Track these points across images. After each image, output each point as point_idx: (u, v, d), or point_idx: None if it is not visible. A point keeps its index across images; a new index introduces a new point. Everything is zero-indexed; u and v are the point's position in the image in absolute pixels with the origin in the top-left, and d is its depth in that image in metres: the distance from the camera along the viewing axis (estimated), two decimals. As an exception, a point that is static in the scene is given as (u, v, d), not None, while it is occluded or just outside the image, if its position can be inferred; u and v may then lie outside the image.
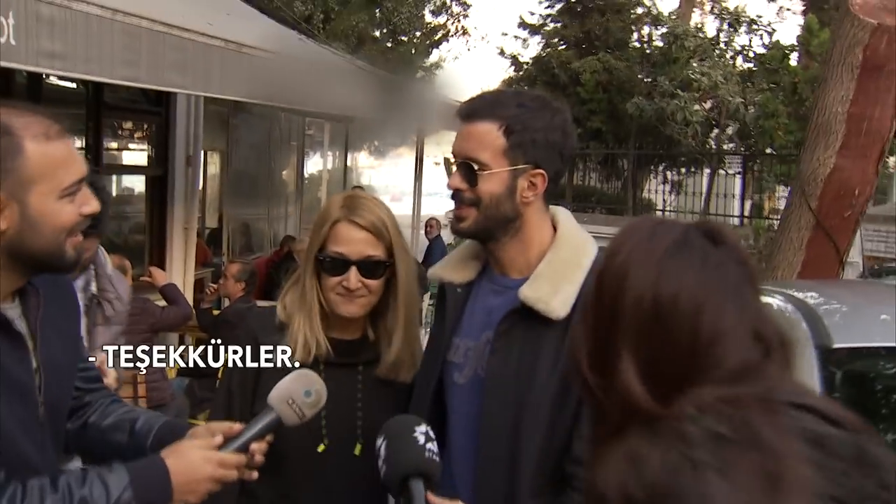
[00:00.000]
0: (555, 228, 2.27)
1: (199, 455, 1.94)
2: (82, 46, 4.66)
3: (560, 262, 2.18)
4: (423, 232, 13.58)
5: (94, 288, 3.31)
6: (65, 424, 2.12)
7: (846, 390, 2.73)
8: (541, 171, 2.17)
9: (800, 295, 3.32)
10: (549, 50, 24.34)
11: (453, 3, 23.36)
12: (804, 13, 22.47)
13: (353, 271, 2.37)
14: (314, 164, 18.19)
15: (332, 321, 2.45)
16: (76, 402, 2.19)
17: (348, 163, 19.72)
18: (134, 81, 5.20)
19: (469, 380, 2.25)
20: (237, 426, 2.02)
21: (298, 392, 2.07)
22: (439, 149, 23.40)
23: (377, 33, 20.70)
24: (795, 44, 19.99)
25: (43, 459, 1.93)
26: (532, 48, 25.64)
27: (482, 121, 2.17)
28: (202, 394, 7.03)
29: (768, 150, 17.38)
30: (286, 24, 11.87)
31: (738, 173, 18.30)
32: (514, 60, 25.21)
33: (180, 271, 9.57)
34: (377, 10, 19.83)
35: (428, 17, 22.81)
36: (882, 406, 2.86)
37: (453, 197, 2.21)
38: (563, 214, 2.30)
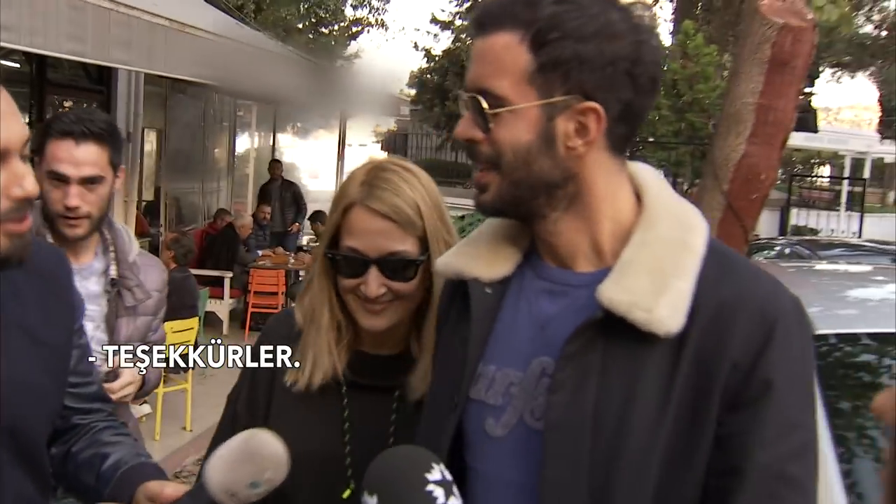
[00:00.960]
0: (638, 197, 1.29)
1: None
2: (27, 17, 4.09)
3: (660, 244, 1.21)
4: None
5: (113, 273, 2.47)
6: (42, 451, 1.54)
7: (828, 379, 2.42)
8: (593, 104, 1.18)
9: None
10: (458, 44, 24.05)
11: (374, -2, 22.83)
12: (674, 20, 22.55)
13: (374, 273, 1.56)
14: (243, 143, 17.54)
15: (364, 331, 1.64)
16: (62, 423, 1.63)
17: (275, 143, 19.08)
18: (80, 56, 4.62)
19: (512, 431, 1.26)
20: (170, 491, 1.46)
21: (242, 483, 1.34)
22: (355, 133, 23.05)
23: (301, 25, 20.07)
24: (672, 45, 20.09)
25: None
26: (443, 42, 25.32)
27: (499, 30, 1.20)
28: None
29: (650, 139, 17.51)
30: (223, 11, 11.24)
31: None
32: (427, 53, 24.84)
33: (121, 242, 9.00)
34: (302, 4, 19.22)
35: (349, 12, 22.25)
36: (866, 395, 2.55)
37: (469, 154, 1.29)
38: (647, 174, 1.31)
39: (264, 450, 1.36)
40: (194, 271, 9.63)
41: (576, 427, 1.18)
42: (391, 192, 1.55)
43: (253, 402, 1.70)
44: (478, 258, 1.34)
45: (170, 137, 12.24)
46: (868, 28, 19.79)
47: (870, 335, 2.72)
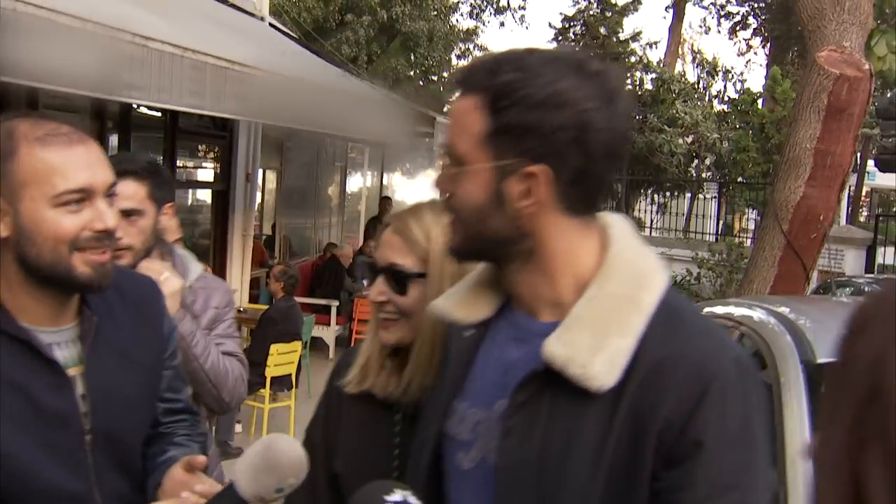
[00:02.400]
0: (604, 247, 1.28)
1: None
2: (156, 77, 4.53)
3: (608, 301, 1.21)
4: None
5: None
6: (136, 455, 1.69)
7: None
8: (537, 168, 1.18)
9: (778, 309, 2.96)
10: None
11: (475, 49, 23.30)
12: (767, 66, 22.25)
13: (379, 281, 1.62)
14: (355, 182, 18.07)
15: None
16: (153, 430, 1.76)
17: (384, 181, 19.58)
18: (199, 109, 5.06)
19: (477, 465, 1.30)
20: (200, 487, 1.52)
21: (269, 489, 1.43)
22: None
23: (412, 73, 20.63)
24: (762, 90, 19.83)
25: (87, 488, 1.56)
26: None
27: (466, 94, 1.24)
28: (251, 379, 6.88)
29: (739, 179, 17.29)
30: (335, 64, 11.76)
31: (714, 197, 18.24)
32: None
33: (238, 270, 9.51)
34: (412, 55, 19.76)
35: (454, 61, 22.74)
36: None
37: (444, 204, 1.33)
38: (618, 228, 1.29)
39: (283, 458, 1.43)
40: (304, 300, 10.09)
41: (523, 470, 1.20)
42: (412, 215, 1.63)
43: (327, 432, 1.75)
44: (459, 302, 1.37)
45: (286, 177, 12.79)
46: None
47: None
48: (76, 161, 1.48)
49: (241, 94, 5.48)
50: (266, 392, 7.04)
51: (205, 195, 10.28)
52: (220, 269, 9.30)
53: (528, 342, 1.26)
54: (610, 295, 1.21)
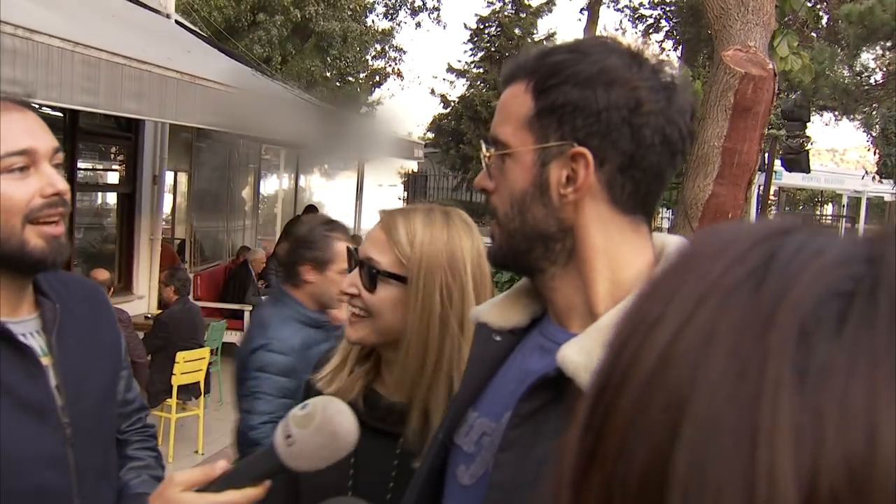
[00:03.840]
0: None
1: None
2: (43, 74, 4.27)
3: None
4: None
5: None
6: (112, 449, 1.59)
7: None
8: (582, 149, 1.08)
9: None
10: (472, 90, 24.29)
11: (391, 49, 23.20)
12: (678, 68, 22.72)
13: (355, 271, 1.56)
14: (270, 185, 17.76)
15: (383, 370, 1.61)
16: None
17: (300, 183, 19.30)
18: (93, 107, 4.80)
19: (479, 481, 1.18)
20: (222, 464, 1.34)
21: (323, 462, 1.29)
22: (379, 174, 23.29)
23: (327, 74, 20.38)
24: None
25: (69, 484, 1.44)
26: (458, 89, 25.58)
27: (514, 82, 1.16)
28: (156, 388, 6.65)
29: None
30: (247, 65, 11.48)
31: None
32: (443, 99, 25.10)
33: (146, 276, 9.19)
34: (326, 55, 19.53)
35: (370, 62, 22.58)
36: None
37: (485, 205, 1.22)
38: (673, 247, 1.16)
39: (341, 430, 1.29)
40: (216, 305, 9.81)
41: (516, 490, 1.08)
42: (403, 214, 1.56)
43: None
44: (496, 305, 1.27)
45: (197, 179, 12.44)
46: (846, 76, 19.82)
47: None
48: (13, 125, 1.39)
49: (140, 93, 5.24)
50: (173, 401, 6.77)
51: (110, 199, 9.90)
52: (126, 275, 8.97)
53: (553, 353, 1.12)
54: None
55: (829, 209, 32.41)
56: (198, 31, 11.59)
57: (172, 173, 11.36)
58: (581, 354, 1.06)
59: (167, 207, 10.99)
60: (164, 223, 10.41)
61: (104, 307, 1.69)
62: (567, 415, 1.01)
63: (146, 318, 8.51)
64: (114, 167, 9.72)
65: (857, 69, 20.06)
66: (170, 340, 6.69)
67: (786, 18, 7.14)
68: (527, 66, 1.14)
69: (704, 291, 0.41)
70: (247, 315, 10.07)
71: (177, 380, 6.66)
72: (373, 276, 1.53)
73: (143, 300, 9.13)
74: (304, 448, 1.26)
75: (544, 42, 24.38)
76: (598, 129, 1.08)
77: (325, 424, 1.27)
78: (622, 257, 1.13)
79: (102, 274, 6.42)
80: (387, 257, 1.52)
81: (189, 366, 6.73)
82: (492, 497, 1.11)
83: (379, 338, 1.56)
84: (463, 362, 1.49)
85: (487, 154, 1.17)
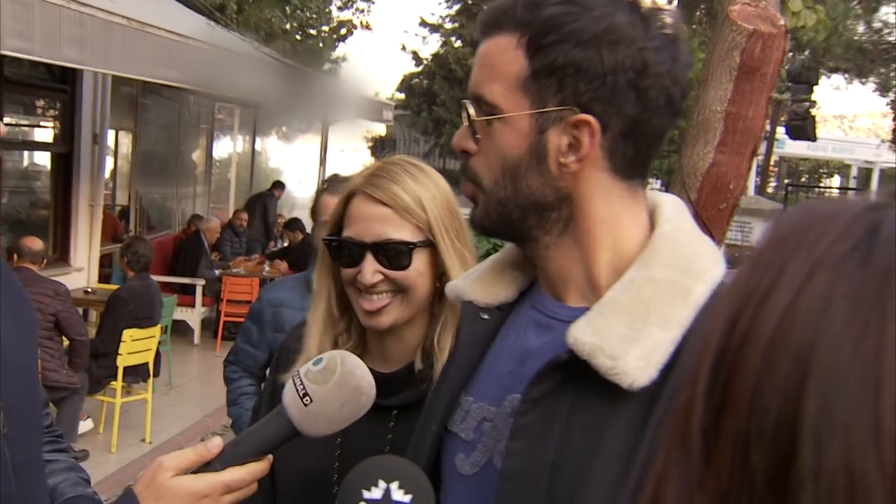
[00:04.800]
0: (653, 227, 1.16)
1: (188, 490, 1.22)
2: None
3: (650, 286, 1.09)
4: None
5: None
6: (40, 441, 1.48)
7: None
8: (588, 116, 1.08)
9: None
10: (446, 47, 24.18)
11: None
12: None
13: (368, 259, 1.55)
14: (224, 147, 17.58)
15: (370, 342, 1.65)
16: None
17: (257, 147, 19.13)
18: (28, 54, 4.70)
19: (481, 471, 1.19)
20: (218, 442, 1.29)
21: (307, 363, 1.30)
22: (344, 137, 23.14)
23: (287, 26, 20.16)
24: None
25: (8, 483, 1.33)
26: (431, 45, 25.46)
27: (498, 33, 1.13)
28: (100, 372, 6.58)
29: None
30: (198, 12, 11.32)
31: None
32: (415, 56, 24.96)
33: (85, 246, 9.07)
34: (287, 6, 19.31)
35: (334, 13, 22.36)
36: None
37: (461, 167, 1.21)
38: (668, 206, 1.18)
39: (363, 383, 1.28)
40: (165, 279, 9.72)
41: (532, 478, 1.09)
42: (390, 181, 1.57)
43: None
44: (478, 281, 1.28)
45: (142, 140, 12.28)
46: (861, 32, 19.80)
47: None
48: None
49: (81, 40, 5.13)
50: (118, 385, 6.71)
51: (43, 159, 9.74)
52: (62, 245, 8.86)
53: (552, 329, 1.16)
54: (653, 280, 1.09)
55: (835, 181, 32.74)
56: (144, -27, 11.40)
57: (114, 132, 11.20)
58: (595, 334, 1.06)
59: (107, 171, 10.84)
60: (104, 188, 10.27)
61: (14, 281, 1.56)
62: (578, 398, 1.08)
63: (86, 292, 8.42)
64: (43, 123, 9.55)
65: (875, 25, 20.02)
66: (131, 316, 6.62)
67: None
68: (515, 17, 1.11)
69: (815, 263, 0.52)
70: (199, 290, 10.01)
71: (123, 360, 6.59)
72: (405, 251, 1.56)
73: (81, 273, 9.03)
74: (323, 407, 1.23)
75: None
76: (602, 93, 1.08)
77: (346, 378, 1.24)
78: (623, 226, 1.15)
79: (35, 243, 6.29)
80: (405, 230, 1.56)
81: (137, 345, 6.67)
82: (506, 488, 1.11)
83: (412, 312, 1.60)
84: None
85: (473, 115, 1.14)
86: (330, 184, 3.04)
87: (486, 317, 1.25)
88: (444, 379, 1.31)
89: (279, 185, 14.50)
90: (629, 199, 1.15)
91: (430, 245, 1.58)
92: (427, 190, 1.60)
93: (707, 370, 0.56)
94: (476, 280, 1.28)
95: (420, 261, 1.58)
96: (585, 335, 1.06)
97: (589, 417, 1.07)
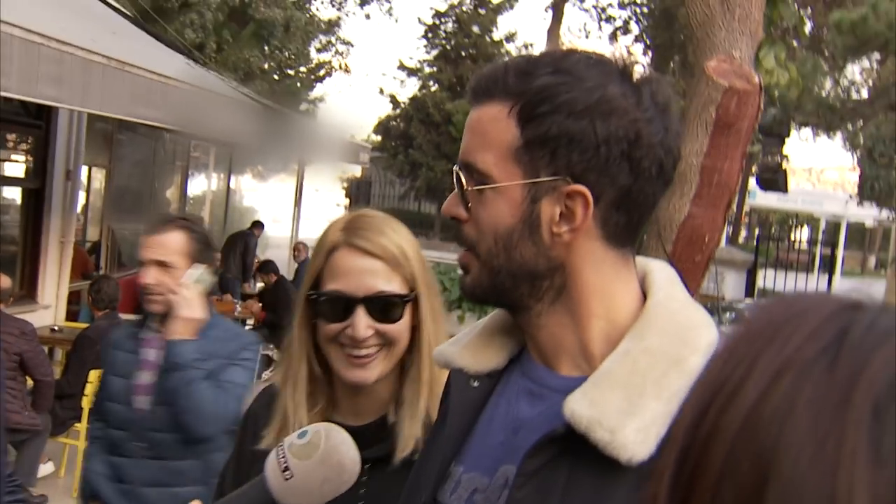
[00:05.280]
0: (645, 295, 1.17)
1: None
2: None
3: (645, 357, 1.09)
4: (293, 255, 13.19)
5: None
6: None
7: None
8: (581, 187, 1.09)
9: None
10: (424, 91, 24.34)
11: (338, 42, 23.14)
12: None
13: (360, 313, 1.53)
14: (198, 185, 17.54)
15: (341, 397, 1.62)
16: None
17: (232, 185, 19.10)
18: (3, 91, 4.66)
19: None
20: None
21: (292, 434, 1.28)
22: (319, 178, 23.15)
23: (266, 66, 20.23)
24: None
25: None
26: (409, 88, 25.64)
27: (490, 101, 1.14)
28: (64, 414, 6.45)
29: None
30: (178, 51, 11.32)
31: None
32: (393, 99, 25.08)
33: (54, 283, 8.95)
34: (266, 45, 19.38)
35: (313, 54, 22.48)
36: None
37: (455, 234, 1.22)
38: (660, 274, 1.19)
39: (347, 461, 1.26)
40: (134, 317, 9.58)
41: None
42: (376, 232, 1.57)
43: (239, 476, 1.63)
44: (467, 347, 1.26)
45: (116, 176, 12.21)
46: (829, 88, 20.21)
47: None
48: None
49: (59, 77, 5.10)
50: (82, 427, 6.57)
51: (13, 193, 9.63)
52: (30, 281, 8.73)
53: (545, 399, 1.15)
54: (648, 350, 1.09)
55: (804, 232, 33.16)
56: (122, 10, 11.40)
57: (87, 168, 11.12)
58: (592, 407, 1.05)
59: (79, 206, 10.74)
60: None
61: None
62: (574, 472, 1.07)
63: (52, 330, 8.27)
64: (14, 157, 9.46)
65: (843, 83, 20.51)
66: (98, 357, 6.51)
67: (774, 27, 7.28)
68: (507, 86, 1.12)
69: (783, 365, 0.52)
70: (167, 330, 9.85)
71: (88, 401, 6.46)
72: (399, 304, 1.57)
73: (49, 310, 8.90)
74: (304, 482, 1.21)
75: (504, 42, 24.58)
76: (595, 163, 1.08)
77: (330, 455, 1.22)
78: (616, 295, 1.15)
79: (5, 281, 6.19)
80: (394, 283, 1.57)
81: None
82: None
83: (392, 365, 1.61)
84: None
85: (465, 184, 1.14)
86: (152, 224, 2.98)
87: (475, 384, 1.24)
88: (433, 447, 1.28)
89: (258, 225, 14.52)
90: (622, 267, 1.15)
91: (415, 298, 1.59)
92: (407, 241, 1.60)
93: (672, 462, 0.56)
94: (465, 346, 1.26)
95: (406, 314, 1.59)
96: (583, 408, 1.06)
97: (586, 492, 1.06)
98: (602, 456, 1.04)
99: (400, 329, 1.57)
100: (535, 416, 1.15)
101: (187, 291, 2.69)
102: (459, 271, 1.22)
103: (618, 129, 1.07)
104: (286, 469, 1.20)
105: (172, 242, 2.77)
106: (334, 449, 1.23)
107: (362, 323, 1.53)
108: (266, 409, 1.66)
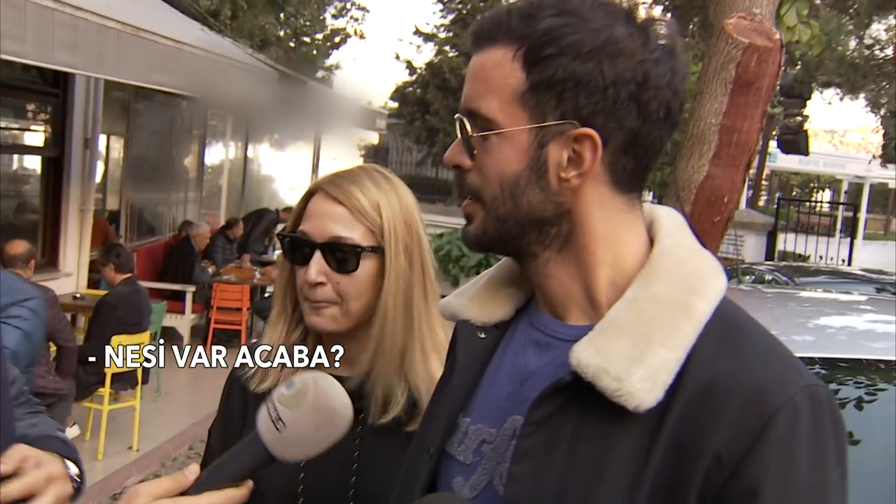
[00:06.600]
0: (652, 242, 1.15)
1: None
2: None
3: (652, 304, 1.07)
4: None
5: None
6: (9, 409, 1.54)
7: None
8: (589, 130, 1.07)
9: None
10: (440, 57, 24.22)
11: (353, 7, 23.02)
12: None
13: (316, 258, 1.53)
14: (216, 154, 17.53)
15: (327, 347, 1.58)
16: None
17: (249, 154, 19.08)
18: (20, 57, 4.66)
19: (481, 494, 1.16)
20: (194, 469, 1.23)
21: (280, 386, 1.24)
22: (336, 146, 23.11)
23: (281, 33, 20.16)
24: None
25: None
26: (426, 54, 25.51)
27: (492, 45, 1.11)
28: (88, 378, 6.53)
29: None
30: (193, 17, 11.29)
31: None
32: (409, 65, 24.99)
33: (75, 251, 9.02)
34: (282, 13, 19.32)
35: (329, 21, 22.39)
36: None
37: (457, 182, 1.19)
38: (668, 220, 1.16)
39: (338, 405, 1.22)
40: (155, 285, 9.66)
41: (537, 502, 1.07)
42: (351, 181, 1.56)
43: (226, 434, 1.64)
44: (473, 299, 1.25)
45: (133, 145, 12.23)
46: (853, 47, 19.85)
47: (821, 360, 2.78)
48: None
49: (74, 44, 5.10)
50: (106, 391, 6.66)
51: (33, 163, 9.67)
52: (51, 249, 8.80)
53: (552, 348, 1.14)
54: (655, 297, 1.07)
55: (826, 195, 32.86)
56: (138, -22, 11.37)
57: (105, 137, 11.15)
58: (599, 355, 1.05)
59: (98, 176, 10.79)
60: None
61: None
62: (582, 421, 1.06)
63: (75, 297, 8.35)
64: (33, 127, 9.49)
65: (867, 41, 20.12)
66: (119, 322, 6.57)
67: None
68: (510, 29, 1.09)
69: None
70: (188, 296, 9.94)
71: (111, 367, 6.55)
72: (353, 254, 1.53)
73: (70, 278, 8.97)
74: (297, 432, 1.19)
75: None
76: (603, 106, 1.06)
77: (320, 400, 1.20)
78: (623, 242, 1.13)
79: (18, 246, 6.21)
80: (357, 231, 1.54)
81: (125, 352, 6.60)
82: None
83: (353, 322, 1.57)
84: (432, 329, 1.59)
85: (469, 131, 1.12)
86: None
87: (482, 336, 1.23)
88: (439, 399, 1.28)
89: (288, 210, 14.48)
90: (628, 213, 1.13)
91: (380, 253, 1.55)
92: (387, 196, 1.57)
93: None
94: (471, 298, 1.25)
95: (365, 268, 1.55)
96: (589, 356, 1.05)
97: (593, 440, 1.05)
98: (610, 404, 1.03)
99: (355, 282, 1.54)
100: (542, 366, 1.14)
101: None
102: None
103: (625, 70, 1.06)
104: (278, 420, 1.18)
105: None
106: (324, 394, 1.20)
107: (314, 267, 1.53)
108: (243, 369, 1.63)
